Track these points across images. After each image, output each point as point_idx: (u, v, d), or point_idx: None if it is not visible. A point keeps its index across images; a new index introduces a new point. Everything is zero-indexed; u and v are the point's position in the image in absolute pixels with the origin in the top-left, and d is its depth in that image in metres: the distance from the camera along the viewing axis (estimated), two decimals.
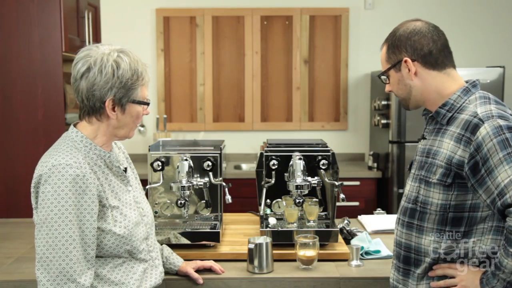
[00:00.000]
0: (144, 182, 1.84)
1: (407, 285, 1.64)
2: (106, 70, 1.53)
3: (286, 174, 2.22)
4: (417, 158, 1.65)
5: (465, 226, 1.53)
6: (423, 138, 1.66)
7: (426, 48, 1.57)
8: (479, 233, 1.53)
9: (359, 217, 2.63)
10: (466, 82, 1.60)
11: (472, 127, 1.47)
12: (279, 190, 2.26)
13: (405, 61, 1.58)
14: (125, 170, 1.70)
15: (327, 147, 2.28)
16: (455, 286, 1.54)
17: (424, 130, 1.68)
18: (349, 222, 2.30)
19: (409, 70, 1.58)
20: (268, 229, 2.13)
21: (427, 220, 1.57)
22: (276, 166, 2.21)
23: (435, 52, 1.57)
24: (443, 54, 1.58)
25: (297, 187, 2.11)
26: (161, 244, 1.93)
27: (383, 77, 1.67)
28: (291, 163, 2.18)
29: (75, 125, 1.62)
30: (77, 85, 1.56)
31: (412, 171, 1.67)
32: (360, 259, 2.02)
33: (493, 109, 1.50)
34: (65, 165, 1.48)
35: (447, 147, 1.52)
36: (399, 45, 1.59)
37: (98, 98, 1.55)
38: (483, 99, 1.54)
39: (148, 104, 1.64)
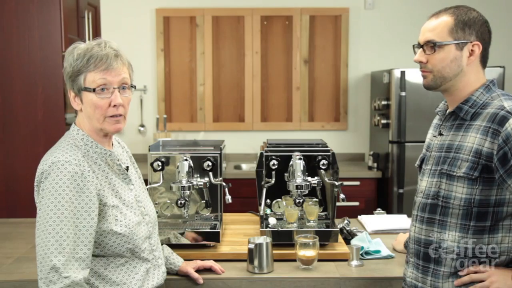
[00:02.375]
0: (144, 182, 1.84)
1: (426, 282, 1.62)
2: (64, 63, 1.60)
3: (286, 174, 2.22)
4: (434, 154, 1.64)
5: (491, 221, 1.53)
6: (440, 134, 1.65)
7: (488, 44, 1.59)
8: (506, 229, 1.53)
9: (359, 217, 2.63)
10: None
11: (500, 119, 1.49)
12: (279, 190, 2.26)
13: (474, 45, 1.56)
14: (127, 168, 1.70)
15: (327, 147, 2.28)
16: None
17: (439, 126, 1.67)
18: (349, 222, 2.30)
19: (469, 55, 1.57)
20: (268, 229, 2.13)
21: (450, 215, 1.56)
22: (276, 166, 2.21)
23: (488, 50, 1.60)
24: None
25: (297, 187, 2.11)
26: (161, 244, 1.93)
27: (430, 45, 1.58)
28: (291, 163, 2.18)
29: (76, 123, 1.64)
30: None
31: (428, 167, 1.66)
32: (360, 259, 2.02)
33: None
34: (64, 162, 1.49)
35: (473, 140, 1.53)
36: (473, 27, 1.56)
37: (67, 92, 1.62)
38: (506, 95, 1.57)
39: (93, 90, 1.53)
